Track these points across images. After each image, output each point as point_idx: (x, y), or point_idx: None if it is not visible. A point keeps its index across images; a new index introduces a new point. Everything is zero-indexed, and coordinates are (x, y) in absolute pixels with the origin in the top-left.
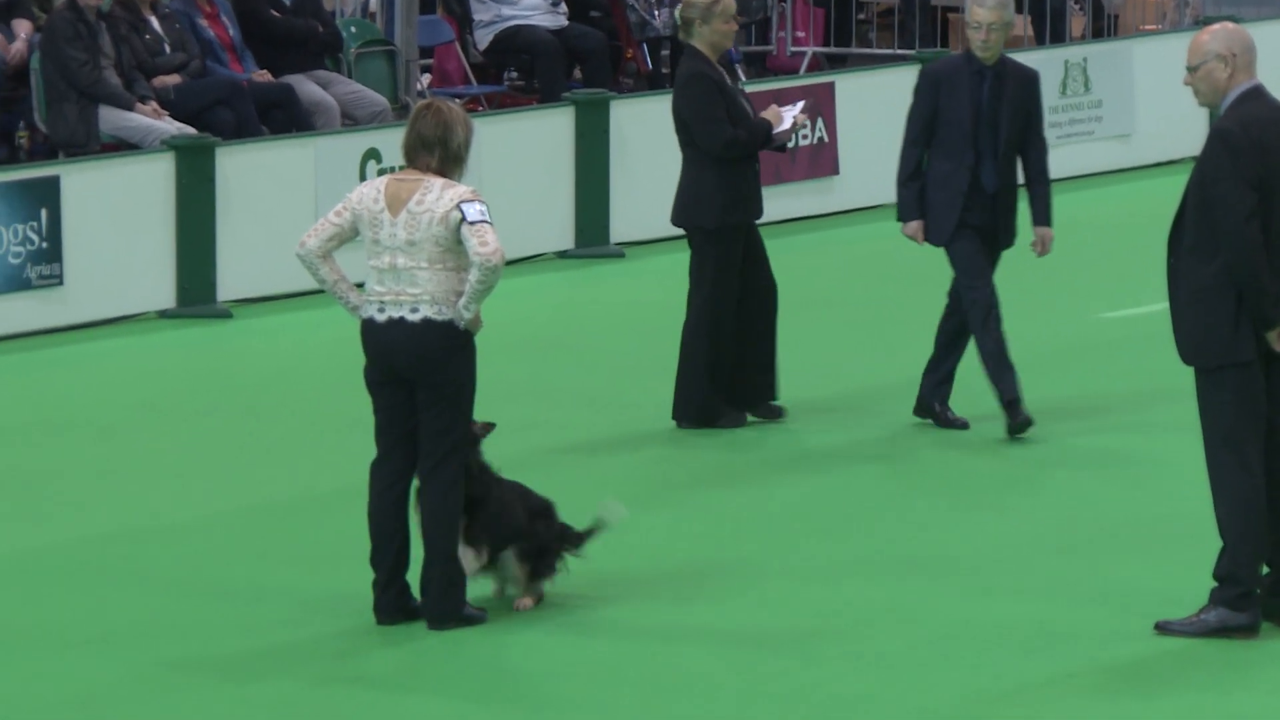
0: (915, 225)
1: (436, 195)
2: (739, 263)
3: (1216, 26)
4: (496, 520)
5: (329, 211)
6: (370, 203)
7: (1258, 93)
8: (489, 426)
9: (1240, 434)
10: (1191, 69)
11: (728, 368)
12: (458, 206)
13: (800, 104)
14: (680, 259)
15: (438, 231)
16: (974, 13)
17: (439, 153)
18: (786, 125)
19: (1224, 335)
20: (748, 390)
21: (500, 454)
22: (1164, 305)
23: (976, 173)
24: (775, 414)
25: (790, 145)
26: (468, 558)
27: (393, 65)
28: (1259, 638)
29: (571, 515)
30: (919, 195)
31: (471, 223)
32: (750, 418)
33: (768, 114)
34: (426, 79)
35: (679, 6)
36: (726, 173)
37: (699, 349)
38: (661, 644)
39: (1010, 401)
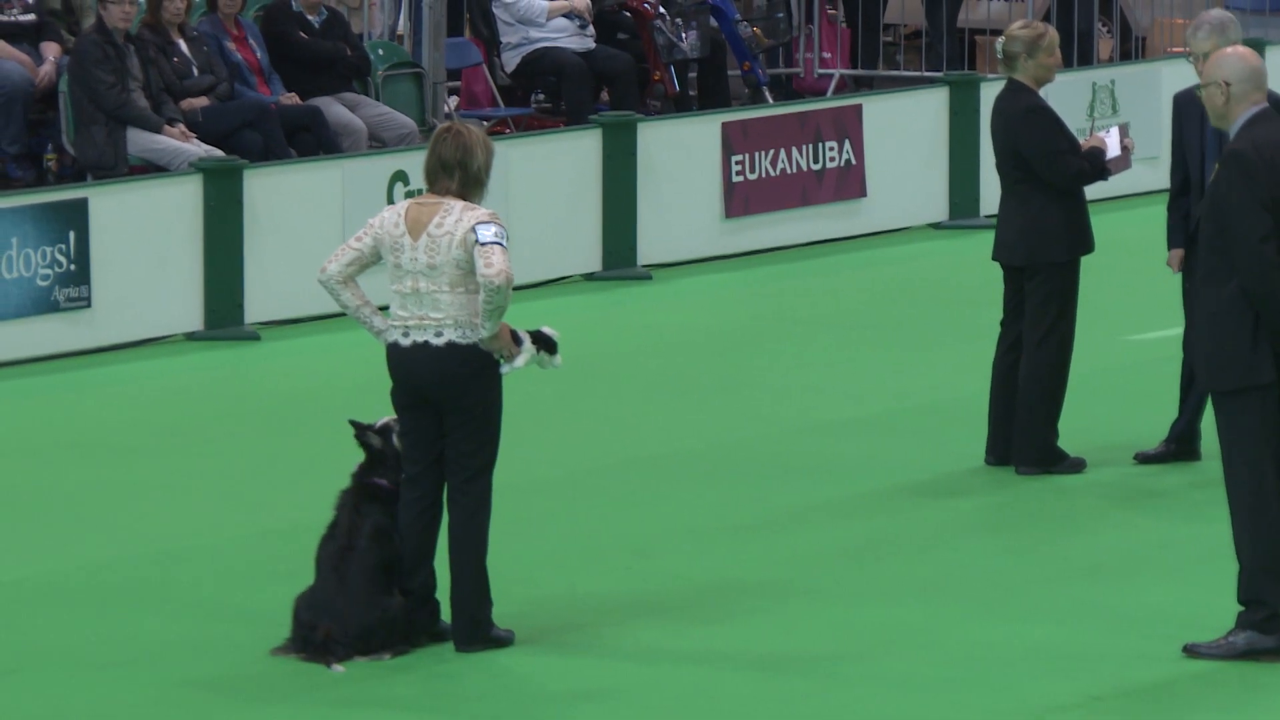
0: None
1: (456, 218)
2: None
3: (1229, 50)
4: None
5: (351, 237)
6: (391, 227)
7: (1268, 115)
8: None
9: (1260, 456)
10: (1203, 88)
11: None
12: (473, 228)
13: (1115, 127)
14: (706, 282)
15: (457, 254)
16: (1191, 43)
17: (459, 176)
18: (1117, 151)
19: (1242, 358)
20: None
21: (528, 477)
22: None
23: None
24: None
25: (819, 167)
26: None
27: (420, 87)
28: None
29: (598, 540)
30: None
31: (482, 244)
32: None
33: (1091, 143)
34: (454, 101)
35: (1002, 40)
36: (1069, 205)
37: (1043, 389)
38: (687, 666)
39: None
